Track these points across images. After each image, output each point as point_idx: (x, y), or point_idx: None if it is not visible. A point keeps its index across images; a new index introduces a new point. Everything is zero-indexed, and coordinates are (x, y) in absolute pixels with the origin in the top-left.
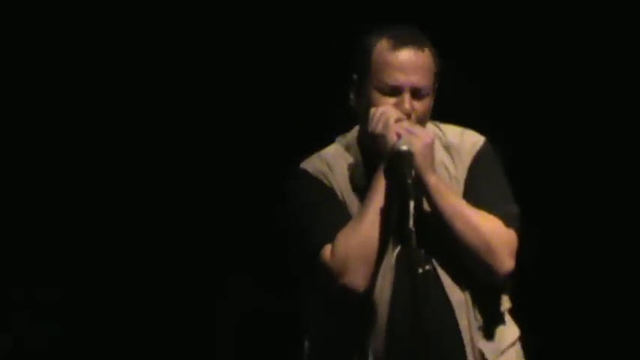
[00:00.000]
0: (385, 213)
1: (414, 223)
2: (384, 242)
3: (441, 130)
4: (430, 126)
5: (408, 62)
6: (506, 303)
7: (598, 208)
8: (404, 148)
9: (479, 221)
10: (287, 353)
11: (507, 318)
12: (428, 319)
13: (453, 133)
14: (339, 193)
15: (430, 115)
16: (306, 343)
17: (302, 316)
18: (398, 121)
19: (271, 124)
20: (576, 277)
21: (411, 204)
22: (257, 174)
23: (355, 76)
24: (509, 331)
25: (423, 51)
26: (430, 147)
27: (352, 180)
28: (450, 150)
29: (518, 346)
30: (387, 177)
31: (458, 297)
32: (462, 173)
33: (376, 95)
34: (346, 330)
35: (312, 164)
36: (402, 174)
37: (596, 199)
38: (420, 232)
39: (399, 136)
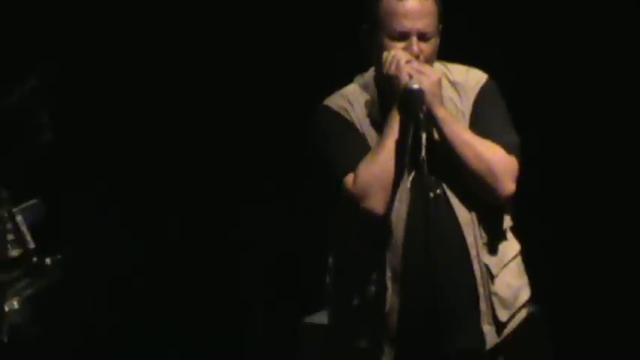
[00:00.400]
0: (400, 144)
1: (426, 152)
2: (399, 170)
3: (447, 68)
4: (437, 65)
5: (413, 9)
6: (507, 222)
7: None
8: (415, 86)
9: (483, 149)
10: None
11: (509, 235)
12: (439, 238)
13: (458, 71)
14: (359, 127)
15: (437, 54)
16: (331, 260)
17: (329, 236)
18: (408, 62)
19: (287, 64)
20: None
21: (423, 136)
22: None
23: (366, 26)
24: (510, 247)
25: None
26: (438, 84)
27: (370, 115)
28: (456, 86)
29: (519, 259)
30: (401, 112)
31: (465, 217)
32: (467, 107)
33: (387, 41)
34: (367, 249)
35: (334, 101)
36: (414, 109)
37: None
38: (431, 161)
39: (410, 76)
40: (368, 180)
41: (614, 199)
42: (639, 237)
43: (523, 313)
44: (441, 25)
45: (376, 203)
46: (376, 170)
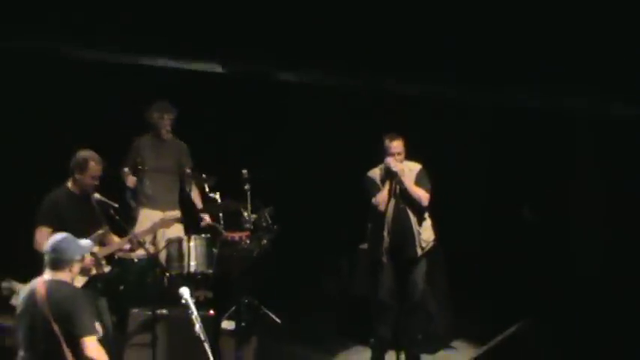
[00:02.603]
0: (390, 188)
1: (400, 192)
2: (390, 196)
3: (407, 163)
4: (406, 162)
5: (395, 145)
6: (426, 216)
7: None
8: (394, 168)
9: (415, 190)
10: None
11: (427, 220)
12: (403, 220)
13: (410, 164)
14: (379, 183)
15: (404, 158)
16: (369, 225)
17: (368, 216)
18: (392, 160)
19: None
20: None
21: (397, 186)
22: None
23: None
24: (427, 223)
25: (399, 139)
26: (402, 168)
27: (381, 179)
28: (410, 170)
29: (430, 228)
30: (390, 177)
31: (412, 214)
32: (412, 177)
33: (388, 155)
34: (378, 222)
35: (371, 172)
36: (393, 177)
37: None
38: (401, 194)
39: (391, 164)
40: (378, 200)
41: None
42: None
43: (432, 245)
44: (406, 148)
45: (380, 206)
46: (381, 197)
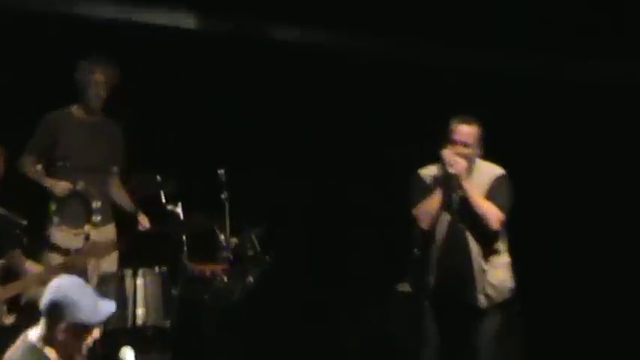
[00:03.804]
0: (443, 197)
1: (457, 203)
2: (441, 209)
3: (483, 163)
4: (478, 161)
5: (463, 130)
6: (500, 245)
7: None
8: (451, 170)
9: (484, 206)
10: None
11: (502, 252)
12: (459, 248)
13: (487, 166)
14: (430, 185)
15: (477, 156)
16: (414, 251)
17: (413, 240)
18: (452, 155)
19: None
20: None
21: (454, 196)
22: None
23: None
24: (502, 258)
25: (471, 125)
26: (464, 170)
27: (434, 181)
28: (484, 173)
29: (508, 266)
30: (446, 181)
31: (472, 240)
32: (486, 184)
33: (449, 145)
34: (424, 249)
35: (422, 171)
36: (450, 182)
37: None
38: (460, 209)
39: (450, 164)
40: (420, 211)
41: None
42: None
43: (506, 294)
44: (481, 141)
45: (423, 223)
46: (425, 207)
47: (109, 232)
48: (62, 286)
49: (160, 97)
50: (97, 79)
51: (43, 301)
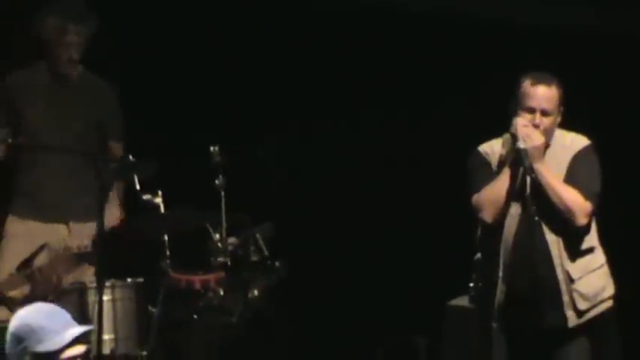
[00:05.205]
0: (512, 182)
1: (530, 190)
2: (507, 198)
3: (563, 135)
4: (558, 132)
5: (540, 93)
6: (591, 242)
7: None
8: (521, 146)
9: (565, 194)
10: None
11: (597, 250)
12: (535, 249)
13: (569, 137)
14: (492, 165)
15: (556, 125)
16: (477, 255)
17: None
18: (525, 126)
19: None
20: None
21: (528, 179)
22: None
23: (513, 99)
24: (596, 259)
25: (550, 87)
26: (539, 147)
27: (500, 161)
28: (563, 148)
29: (604, 268)
30: (515, 161)
31: (552, 237)
32: (566, 162)
33: (521, 112)
34: (490, 252)
35: (482, 147)
36: (520, 160)
37: None
38: (533, 197)
39: (523, 138)
40: (482, 199)
41: None
42: None
43: (604, 306)
44: (562, 107)
45: (486, 215)
46: (489, 194)
47: (89, 232)
48: (24, 317)
49: (136, 55)
50: (71, 36)
51: (7, 335)
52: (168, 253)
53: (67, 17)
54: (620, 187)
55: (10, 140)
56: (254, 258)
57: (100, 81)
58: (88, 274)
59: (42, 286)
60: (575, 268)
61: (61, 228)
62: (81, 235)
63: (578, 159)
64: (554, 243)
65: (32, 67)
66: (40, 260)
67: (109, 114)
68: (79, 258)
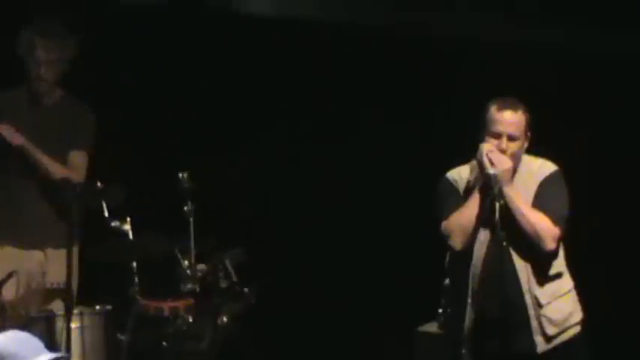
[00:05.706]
0: (481, 207)
1: (499, 216)
2: (476, 224)
3: (530, 160)
4: (525, 157)
5: (506, 118)
6: (559, 267)
7: None
8: (491, 171)
9: (533, 218)
10: None
11: (564, 275)
12: (504, 274)
13: (536, 163)
14: (460, 192)
15: (524, 150)
16: (446, 281)
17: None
18: (491, 152)
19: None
20: None
21: (497, 205)
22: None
23: (482, 124)
24: (564, 284)
25: (516, 112)
26: (508, 171)
27: (467, 187)
28: (531, 173)
29: (572, 293)
30: (484, 187)
31: (520, 262)
32: (533, 187)
33: (487, 138)
34: (459, 278)
35: (451, 174)
36: (489, 186)
37: None
38: (502, 222)
39: (490, 163)
40: (451, 225)
41: None
42: None
43: (572, 331)
44: (529, 133)
45: (456, 241)
46: (457, 220)
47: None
48: None
49: (104, 79)
50: (41, 51)
51: None
52: (136, 279)
53: (35, 31)
54: (585, 212)
55: None
56: (223, 284)
57: (81, 105)
58: (56, 302)
59: (12, 319)
60: (544, 293)
61: (36, 254)
62: (58, 261)
63: (545, 184)
64: (523, 268)
65: (15, 89)
66: (8, 288)
67: (80, 129)
68: (52, 293)
